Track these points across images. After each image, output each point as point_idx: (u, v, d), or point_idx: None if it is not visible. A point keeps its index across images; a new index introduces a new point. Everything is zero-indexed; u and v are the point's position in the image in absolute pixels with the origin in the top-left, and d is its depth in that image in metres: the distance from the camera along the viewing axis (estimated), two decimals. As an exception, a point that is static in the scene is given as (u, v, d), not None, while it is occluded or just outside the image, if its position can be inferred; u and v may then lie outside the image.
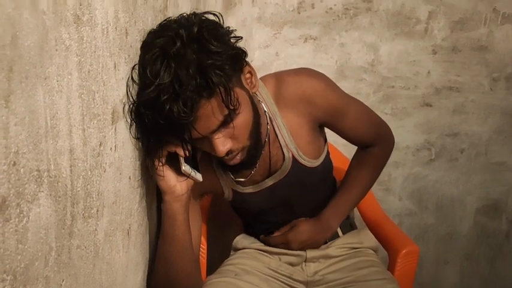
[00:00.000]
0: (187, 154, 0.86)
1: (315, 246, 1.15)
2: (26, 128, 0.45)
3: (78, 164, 0.57)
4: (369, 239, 1.20)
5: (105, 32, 0.63)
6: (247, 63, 0.89)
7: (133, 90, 0.78)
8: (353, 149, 1.20)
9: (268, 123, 1.00)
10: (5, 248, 0.43)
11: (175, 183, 0.88)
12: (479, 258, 1.82)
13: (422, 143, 1.70)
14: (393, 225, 1.32)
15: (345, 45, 1.61)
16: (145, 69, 0.77)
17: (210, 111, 0.80)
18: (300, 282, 1.12)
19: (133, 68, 0.77)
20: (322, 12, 1.58)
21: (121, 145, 0.73)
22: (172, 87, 0.76)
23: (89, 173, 0.61)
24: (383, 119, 1.18)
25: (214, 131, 0.84)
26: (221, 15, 0.87)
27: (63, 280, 0.55)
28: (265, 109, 0.99)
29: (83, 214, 0.60)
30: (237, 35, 0.87)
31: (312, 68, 1.07)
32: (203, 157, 0.97)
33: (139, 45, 0.79)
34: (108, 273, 0.72)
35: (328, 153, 1.13)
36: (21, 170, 0.44)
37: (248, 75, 0.90)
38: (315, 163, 1.07)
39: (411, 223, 1.78)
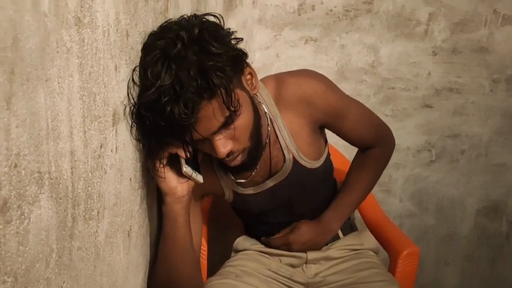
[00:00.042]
0: (188, 156, 0.86)
1: (316, 248, 1.15)
2: (27, 130, 0.45)
3: (79, 165, 0.58)
4: (369, 240, 1.20)
5: (106, 34, 0.63)
6: (248, 65, 0.89)
7: (134, 92, 0.78)
8: (353, 150, 1.20)
9: (268, 125, 1.00)
10: (6, 249, 0.43)
11: (176, 185, 0.89)
12: (479, 260, 1.82)
13: (422, 144, 1.71)
14: (394, 227, 1.32)
15: (345, 46, 1.61)
16: (146, 71, 0.78)
17: (211, 112, 0.80)
18: (301, 283, 1.12)
19: (134, 70, 0.77)
20: (323, 13, 1.58)
21: (122, 147, 0.73)
22: (173, 88, 0.76)
23: (90, 175, 0.61)
24: (383, 120, 1.18)
25: (215, 133, 0.84)
26: (222, 17, 0.87)
27: (64, 282, 0.55)
28: (266, 110, 0.99)
29: (84, 216, 0.60)
30: (238, 36, 0.87)
31: (313, 69, 1.07)
32: (204, 158, 0.97)
33: (140, 47, 0.79)
34: (109, 274, 0.72)
35: (328, 154, 1.13)
36: (23, 171, 0.44)
37: (249, 76, 0.90)
38: (316, 164, 1.07)
39: (412, 224, 1.78)
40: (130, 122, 0.77)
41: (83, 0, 0.55)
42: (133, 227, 0.83)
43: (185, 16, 0.85)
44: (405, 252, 1.19)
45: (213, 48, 0.79)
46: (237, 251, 1.19)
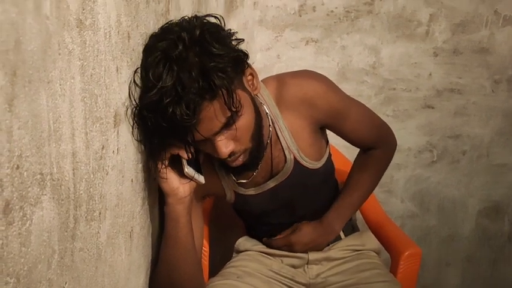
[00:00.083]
0: (190, 156, 0.86)
1: (318, 249, 1.15)
2: (29, 131, 0.45)
3: (81, 167, 0.58)
4: (371, 241, 1.20)
5: (107, 36, 0.63)
6: (249, 65, 0.89)
7: (136, 93, 0.78)
8: (355, 151, 1.20)
9: (270, 125, 1.00)
10: (9, 251, 0.43)
11: (178, 186, 0.89)
12: (481, 260, 1.82)
13: (424, 145, 1.71)
14: (395, 227, 1.32)
15: (346, 47, 1.61)
16: (148, 72, 0.78)
17: (213, 113, 0.80)
18: (302, 284, 1.12)
19: (135, 71, 0.77)
20: (324, 15, 1.58)
21: (123, 148, 0.74)
22: (175, 90, 0.76)
23: (92, 176, 0.61)
24: (385, 121, 1.18)
25: (217, 133, 0.84)
26: (222, 18, 0.87)
27: (66, 283, 0.56)
28: (267, 111, 1.00)
29: (86, 217, 0.60)
30: (239, 37, 0.87)
31: (314, 70, 1.07)
32: (205, 159, 0.98)
33: (141, 48, 0.79)
34: (111, 275, 0.72)
35: (329, 155, 1.13)
36: (25, 173, 0.45)
37: (250, 77, 0.91)
38: (317, 165, 1.07)
39: (413, 225, 1.78)
40: (132, 123, 0.77)
41: (85, 3, 0.55)
42: (135, 228, 0.83)
43: (186, 17, 0.85)
44: (407, 253, 1.19)
45: (214, 49, 0.79)
46: (239, 252, 1.19)
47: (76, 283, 0.59)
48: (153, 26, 0.84)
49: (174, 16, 0.94)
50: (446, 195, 1.76)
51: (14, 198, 0.43)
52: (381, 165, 1.19)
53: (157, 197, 0.96)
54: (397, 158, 1.57)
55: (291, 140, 1.02)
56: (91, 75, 0.59)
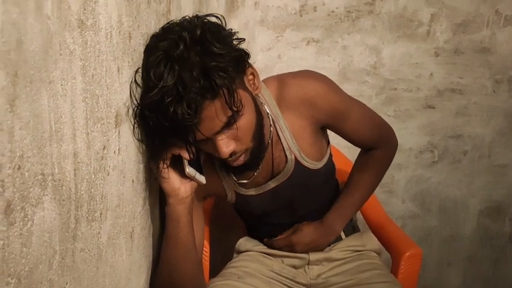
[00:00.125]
0: (192, 157, 0.86)
1: (319, 249, 1.15)
2: (31, 132, 0.45)
3: (82, 167, 0.58)
4: (372, 241, 1.20)
5: (108, 36, 0.63)
6: (250, 65, 0.89)
7: (137, 93, 0.78)
8: (356, 151, 1.20)
9: (271, 125, 1.00)
10: (10, 251, 0.43)
11: (179, 186, 0.89)
12: (482, 261, 1.82)
13: (425, 145, 1.70)
14: (396, 228, 1.32)
15: (347, 47, 1.61)
16: (149, 72, 0.78)
17: (214, 112, 0.80)
18: (303, 285, 1.12)
19: (136, 71, 0.77)
20: (324, 15, 1.58)
21: (124, 148, 0.74)
22: (176, 89, 0.76)
23: (93, 177, 0.61)
24: (386, 121, 1.18)
25: (218, 133, 0.84)
26: (223, 18, 0.87)
27: (67, 283, 0.55)
28: (268, 111, 0.99)
29: (87, 217, 0.60)
30: (239, 37, 0.87)
31: (315, 70, 1.07)
32: (206, 159, 0.98)
33: (142, 48, 0.79)
34: (112, 276, 0.72)
35: (330, 155, 1.13)
36: (26, 173, 0.45)
37: (251, 77, 0.91)
38: (318, 165, 1.07)
39: (414, 225, 1.77)
40: (133, 123, 0.77)
41: (86, 3, 0.55)
42: (136, 228, 0.83)
43: (187, 17, 0.85)
44: (408, 254, 1.19)
45: (215, 49, 0.79)
46: (239, 252, 1.19)
47: (77, 283, 0.59)
48: (154, 26, 0.84)
49: (175, 16, 0.94)
50: (448, 195, 1.76)
51: (16, 199, 0.43)
52: (382, 165, 1.19)
53: (158, 198, 0.96)
54: (398, 158, 1.57)
55: (292, 140, 1.02)
56: (92, 76, 0.59)
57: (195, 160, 0.90)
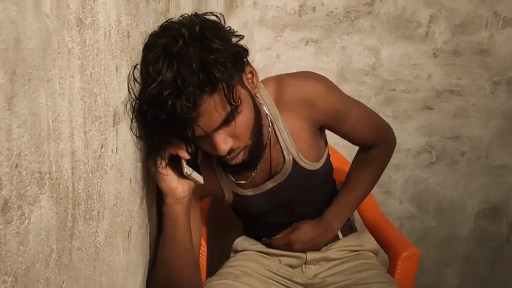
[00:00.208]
0: (189, 156, 0.86)
1: (317, 247, 1.15)
2: (28, 130, 0.45)
3: (80, 166, 0.58)
4: (369, 241, 1.20)
5: (107, 35, 0.63)
6: (249, 63, 0.89)
7: (135, 88, 0.78)
8: (354, 151, 1.20)
9: (269, 126, 1.00)
10: (7, 249, 0.43)
11: (176, 186, 0.89)
12: (479, 262, 1.82)
13: (423, 146, 1.71)
14: (393, 228, 1.32)
15: (346, 48, 1.61)
16: (148, 68, 0.78)
17: (213, 107, 0.80)
18: (300, 284, 1.12)
19: (135, 66, 0.76)
20: (323, 15, 1.58)
21: (122, 147, 0.74)
22: (175, 83, 0.76)
23: (90, 175, 0.61)
24: (384, 120, 1.18)
25: (217, 129, 0.84)
26: (223, 16, 0.87)
27: (63, 282, 0.55)
28: (267, 112, 0.99)
29: (84, 216, 0.60)
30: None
31: (313, 71, 1.07)
32: (204, 159, 0.98)
33: (141, 47, 0.79)
34: (108, 275, 0.72)
35: (328, 155, 1.13)
36: (23, 172, 0.45)
37: (249, 75, 0.91)
38: (316, 166, 1.07)
39: (411, 226, 1.78)
40: (131, 118, 0.77)
41: (85, 2, 0.55)
42: (133, 227, 0.83)
43: (186, 15, 0.85)
44: (405, 254, 1.19)
45: (214, 45, 0.79)
46: (237, 252, 1.19)
47: (74, 282, 0.59)
48: (153, 25, 0.84)
49: (174, 15, 0.94)
50: (445, 196, 1.76)
51: (13, 197, 0.43)
52: (381, 163, 1.19)
53: (155, 197, 0.96)
54: (395, 159, 1.57)
55: (290, 141, 1.02)
56: (90, 74, 0.59)
57: (193, 160, 0.90)
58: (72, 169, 0.55)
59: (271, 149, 1.02)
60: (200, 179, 0.92)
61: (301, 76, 1.04)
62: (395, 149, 1.21)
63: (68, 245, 0.56)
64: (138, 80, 0.78)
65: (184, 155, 0.86)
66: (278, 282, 1.11)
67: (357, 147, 1.19)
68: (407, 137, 1.68)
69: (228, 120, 0.83)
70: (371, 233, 1.25)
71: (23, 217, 0.45)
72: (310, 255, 1.14)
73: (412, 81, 1.64)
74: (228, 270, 1.10)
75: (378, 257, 1.21)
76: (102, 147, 0.65)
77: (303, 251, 1.14)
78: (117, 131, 0.71)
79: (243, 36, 0.88)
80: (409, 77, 1.64)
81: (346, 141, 1.15)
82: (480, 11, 1.57)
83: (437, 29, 1.59)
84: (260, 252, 1.17)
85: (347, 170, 1.21)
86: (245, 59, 0.87)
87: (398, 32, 1.60)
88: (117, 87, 0.70)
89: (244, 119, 0.86)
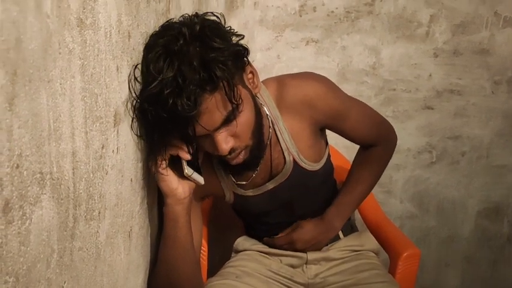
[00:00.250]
0: (190, 157, 0.86)
1: (319, 246, 1.15)
2: (29, 130, 0.45)
3: (81, 166, 0.58)
4: (370, 241, 1.20)
5: (108, 35, 0.63)
6: (249, 63, 0.89)
7: (136, 88, 0.78)
8: (354, 151, 1.20)
9: (270, 127, 1.00)
10: (8, 250, 0.43)
11: (177, 186, 0.89)
12: (480, 261, 1.82)
13: (423, 146, 1.71)
14: (394, 228, 1.32)
15: (346, 48, 1.61)
16: (148, 67, 0.78)
17: (214, 105, 0.80)
18: (301, 284, 1.12)
19: (136, 66, 0.76)
20: (324, 15, 1.58)
21: (123, 147, 0.74)
22: (176, 81, 0.76)
23: (91, 176, 0.61)
24: (385, 118, 1.18)
25: (217, 128, 0.84)
26: (223, 16, 0.87)
27: (64, 282, 0.55)
28: (267, 112, 0.99)
29: (85, 216, 0.60)
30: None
31: (314, 71, 1.08)
32: (205, 160, 0.98)
33: (141, 48, 0.79)
34: (110, 275, 0.72)
35: (329, 156, 1.13)
36: (24, 172, 0.45)
37: (250, 75, 0.91)
38: (316, 166, 1.07)
39: (412, 226, 1.78)
40: (132, 117, 0.77)
41: (85, 2, 0.55)
42: (134, 227, 0.83)
43: (186, 15, 0.85)
44: (406, 254, 1.19)
45: (215, 44, 0.79)
46: (237, 252, 1.19)
47: (75, 282, 0.59)
48: (153, 25, 0.84)
49: (175, 15, 0.94)
50: (446, 196, 1.76)
51: (14, 197, 0.43)
52: (382, 161, 1.19)
53: (156, 197, 0.96)
54: (396, 159, 1.58)
55: (291, 142, 1.02)
56: (91, 75, 0.59)
57: (194, 160, 0.90)
58: (73, 169, 0.55)
59: (272, 150, 1.02)
60: (201, 179, 0.92)
61: (302, 77, 1.04)
62: (396, 149, 1.21)
63: (69, 245, 0.56)
64: (138, 79, 0.78)
65: (185, 155, 0.85)
66: (279, 282, 1.11)
67: (358, 147, 1.20)
68: (407, 137, 1.68)
69: (229, 120, 0.83)
70: (372, 233, 1.24)
71: (24, 217, 0.45)
72: (311, 255, 1.14)
73: (412, 81, 1.64)
74: (229, 270, 1.10)
75: (379, 256, 1.21)
76: (103, 147, 0.65)
77: (305, 249, 1.14)
78: (118, 131, 0.71)
79: (243, 36, 0.88)
80: (409, 77, 1.64)
81: (346, 141, 1.15)
82: (480, 11, 1.57)
83: (438, 29, 1.59)
84: (261, 252, 1.17)
85: (347, 170, 1.21)
86: (246, 59, 0.87)
87: (398, 32, 1.60)
88: (117, 88, 0.70)
89: (245, 118, 0.86)
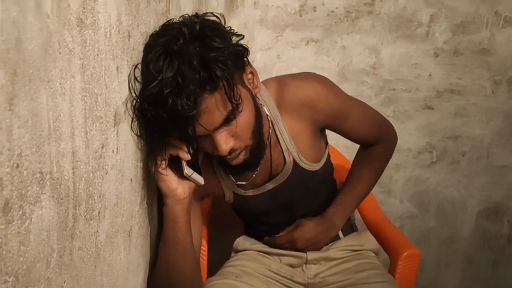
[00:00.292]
0: (190, 157, 0.86)
1: (319, 245, 1.15)
2: (29, 130, 0.45)
3: (81, 166, 0.58)
4: (370, 241, 1.20)
5: (108, 35, 0.63)
6: (249, 63, 0.89)
7: (136, 88, 0.78)
8: (354, 150, 1.20)
9: (270, 127, 1.00)
10: (8, 249, 0.43)
11: (177, 186, 0.89)
12: (480, 262, 1.82)
13: (423, 146, 1.71)
14: (394, 228, 1.32)
15: (346, 48, 1.61)
16: (148, 66, 0.78)
17: (214, 105, 0.80)
18: (301, 284, 1.12)
19: (136, 66, 0.76)
20: (324, 15, 1.58)
21: (123, 147, 0.74)
22: (176, 81, 0.76)
23: (91, 175, 0.61)
24: (385, 117, 1.18)
25: (217, 128, 0.84)
26: (223, 16, 0.87)
27: (64, 282, 0.56)
28: (267, 113, 0.99)
29: (85, 216, 0.60)
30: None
31: (314, 70, 1.08)
32: (205, 160, 0.98)
33: (141, 48, 0.80)
34: (109, 275, 0.72)
35: (329, 156, 1.13)
36: (24, 172, 0.45)
37: (250, 75, 0.91)
38: (316, 167, 1.07)
39: (412, 226, 1.78)
40: (132, 117, 0.77)
41: (85, 2, 0.55)
42: (134, 227, 0.83)
43: (186, 15, 0.85)
44: (405, 254, 1.19)
45: (215, 43, 0.79)
46: (237, 251, 1.19)
47: (75, 282, 0.59)
48: (153, 25, 0.84)
49: (175, 15, 0.94)
50: (446, 196, 1.76)
51: (14, 197, 0.43)
52: (382, 160, 1.19)
53: (156, 197, 0.96)
54: (396, 159, 1.58)
55: (291, 142, 1.02)
56: (91, 75, 0.59)
57: (194, 161, 0.90)
58: (73, 169, 0.55)
59: (272, 150, 1.02)
60: (201, 180, 0.92)
61: (302, 77, 1.04)
62: (396, 149, 1.21)
63: (68, 245, 0.56)
64: (138, 79, 0.78)
65: (185, 156, 0.85)
66: (279, 281, 1.11)
67: (358, 147, 1.20)
68: (407, 136, 1.68)
69: (229, 119, 0.83)
70: (372, 233, 1.24)
71: (24, 217, 0.45)
72: (311, 255, 1.14)
73: (412, 81, 1.64)
74: (229, 269, 1.10)
75: (379, 256, 1.21)
76: (102, 147, 0.65)
77: (306, 248, 1.14)
78: (117, 131, 0.71)
79: (243, 36, 0.88)
80: (409, 77, 1.64)
81: (346, 141, 1.15)
82: (481, 11, 1.57)
83: (438, 29, 1.59)
84: (261, 251, 1.17)
85: (347, 170, 1.21)
86: (245, 59, 0.87)
87: (398, 32, 1.60)
88: (117, 88, 0.70)
89: (245, 118, 0.86)
